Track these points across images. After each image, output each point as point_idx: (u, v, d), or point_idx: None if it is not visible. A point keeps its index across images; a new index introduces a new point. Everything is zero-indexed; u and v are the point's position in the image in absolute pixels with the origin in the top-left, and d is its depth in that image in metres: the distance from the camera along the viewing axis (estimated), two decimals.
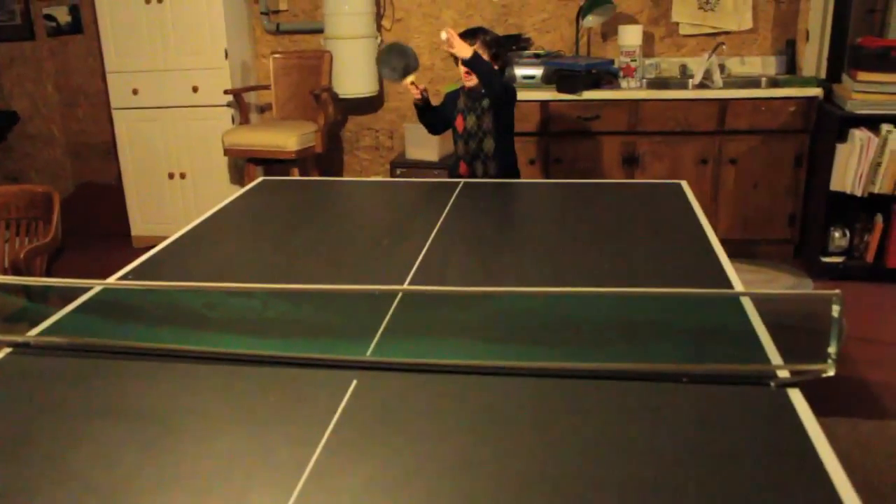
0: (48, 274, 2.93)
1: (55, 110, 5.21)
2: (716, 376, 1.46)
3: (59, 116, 5.21)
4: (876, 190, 3.86)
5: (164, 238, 4.58)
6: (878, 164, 3.81)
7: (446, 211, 2.56)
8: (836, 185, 3.91)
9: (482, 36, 3.08)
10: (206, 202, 4.69)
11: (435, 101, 3.21)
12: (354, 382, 1.45)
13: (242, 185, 4.64)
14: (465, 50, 2.89)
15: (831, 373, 1.44)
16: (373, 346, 1.60)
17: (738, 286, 1.92)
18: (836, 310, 1.42)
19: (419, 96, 3.07)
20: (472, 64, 2.92)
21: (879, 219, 3.92)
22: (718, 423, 1.32)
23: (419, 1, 4.72)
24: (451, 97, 3.25)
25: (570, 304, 1.75)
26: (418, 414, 1.36)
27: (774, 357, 1.54)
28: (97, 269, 4.48)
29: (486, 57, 3.00)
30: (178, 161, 4.70)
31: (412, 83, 3.04)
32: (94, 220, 5.08)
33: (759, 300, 1.80)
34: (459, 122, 3.17)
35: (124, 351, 1.61)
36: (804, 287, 3.98)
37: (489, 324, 1.70)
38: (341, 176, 5.11)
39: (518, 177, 3.27)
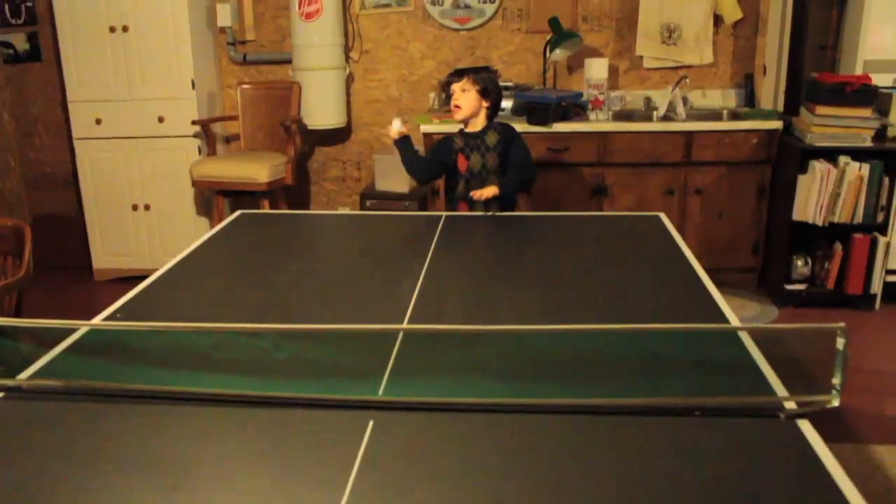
0: (18, 310, 2.84)
1: (11, 140, 5.07)
2: (727, 409, 1.49)
3: (16, 146, 5.08)
4: (835, 219, 3.98)
5: (128, 271, 4.55)
6: (838, 195, 3.94)
7: (433, 244, 2.57)
8: (798, 214, 4.03)
9: (472, 75, 3.13)
10: (171, 234, 4.63)
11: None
12: (371, 423, 1.44)
13: (210, 216, 4.58)
14: (491, 190, 3.04)
15: (836, 403, 1.48)
16: (384, 384, 1.58)
17: (733, 318, 1.96)
18: (840, 342, 1.46)
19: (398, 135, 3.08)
20: (509, 192, 3.11)
21: (839, 247, 4.05)
22: (736, 455, 1.34)
23: (387, 33, 4.75)
24: (444, 142, 3.23)
25: (573, 340, 1.77)
26: (441, 454, 1.35)
27: (779, 389, 1.58)
28: (63, 305, 4.41)
29: (475, 93, 3.07)
30: (143, 192, 4.61)
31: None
32: (53, 252, 4.95)
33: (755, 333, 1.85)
34: (462, 163, 3.14)
35: (125, 394, 1.57)
36: (769, 314, 4.08)
37: (496, 360, 1.71)
38: (309, 207, 5.08)
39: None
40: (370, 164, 4.83)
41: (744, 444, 1.38)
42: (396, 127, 3.04)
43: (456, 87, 3.10)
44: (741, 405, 1.50)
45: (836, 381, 1.46)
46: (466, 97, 3.09)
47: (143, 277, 2.34)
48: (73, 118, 4.58)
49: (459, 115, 3.13)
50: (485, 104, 3.12)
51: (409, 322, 1.93)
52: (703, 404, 1.49)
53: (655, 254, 2.53)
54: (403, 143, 3.08)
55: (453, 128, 4.08)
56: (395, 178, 4.44)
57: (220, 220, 4.18)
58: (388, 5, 4.71)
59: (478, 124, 3.16)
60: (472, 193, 3.04)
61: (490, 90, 3.13)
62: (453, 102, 3.11)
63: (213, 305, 2.11)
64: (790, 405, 1.49)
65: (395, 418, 1.46)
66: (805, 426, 1.43)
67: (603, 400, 1.51)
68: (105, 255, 4.73)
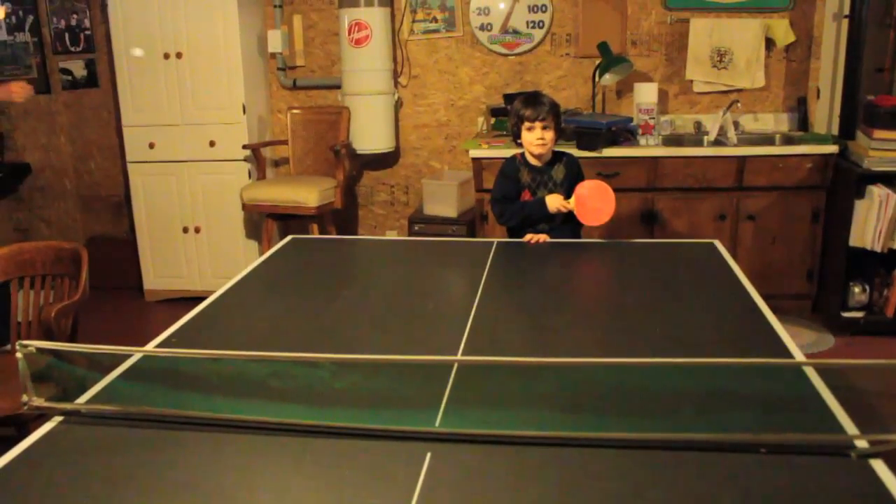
0: (74, 332, 2.89)
1: (68, 163, 5.20)
2: (794, 447, 1.44)
3: (72, 169, 5.20)
4: (894, 246, 3.88)
5: (178, 292, 4.60)
6: None
7: (486, 272, 2.55)
8: (855, 240, 3.93)
9: (550, 109, 2.94)
10: (220, 256, 4.68)
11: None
12: (429, 455, 1.42)
13: (259, 240, 4.63)
14: (544, 237, 2.92)
15: None
16: (440, 415, 1.57)
17: (796, 351, 1.90)
18: None
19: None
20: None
21: None
22: (805, 495, 1.30)
23: (436, 58, 4.78)
24: (511, 177, 3.05)
25: (633, 372, 1.73)
26: (498, 487, 1.33)
27: (849, 425, 1.52)
28: (115, 326, 4.49)
29: (554, 128, 2.95)
30: (193, 215, 4.68)
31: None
32: (105, 274, 5.04)
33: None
34: (527, 197, 3.03)
35: (183, 420, 1.57)
36: (826, 342, 3.98)
37: (553, 392, 1.67)
38: (356, 231, 5.11)
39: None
40: (418, 188, 4.84)
41: (813, 483, 1.33)
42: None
43: (539, 124, 2.90)
44: (809, 443, 1.45)
45: None
46: (549, 133, 2.93)
47: (193, 299, 2.36)
48: (127, 142, 4.68)
49: (540, 152, 2.97)
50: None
51: (464, 351, 1.91)
52: (769, 441, 1.45)
53: (712, 281, 2.48)
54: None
55: (502, 153, 4.09)
56: (443, 203, 4.44)
57: (270, 243, 4.22)
58: (436, 31, 4.74)
59: (545, 157, 3.02)
60: (527, 238, 2.91)
61: (561, 121, 3.02)
62: (536, 138, 2.92)
63: (268, 332, 2.12)
64: (861, 443, 1.44)
65: (452, 450, 1.44)
66: (878, 465, 1.37)
67: (664, 434, 1.47)
68: (156, 277, 4.81)
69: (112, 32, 4.55)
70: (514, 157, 3.08)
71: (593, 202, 2.88)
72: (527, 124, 2.92)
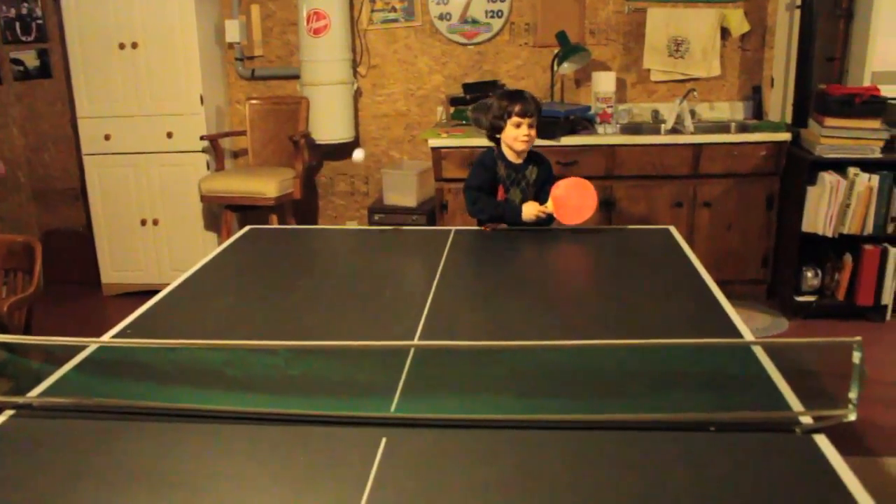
0: (28, 326, 2.84)
1: (21, 155, 5.10)
2: (742, 424, 1.48)
3: (25, 162, 5.10)
4: (845, 231, 3.97)
5: (137, 286, 4.55)
6: (847, 206, 3.93)
7: (443, 259, 2.56)
8: (807, 226, 4.01)
9: (535, 106, 2.95)
10: (179, 249, 4.64)
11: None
12: (384, 440, 1.43)
13: (218, 231, 4.59)
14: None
15: (853, 417, 1.46)
16: (395, 401, 1.58)
17: (746, 332, 1.94)
18: (857, 356, 1.45)
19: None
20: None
21: (849, 258, 4.03)
22: (752, 471, 1.33)
23: (395, 48, 4.77)
24: (489, 167, 3.01)
25: (585, 355, 1.76)
26: (453, 470, 1.35)
27: (795, 403, 1.56)
28: (71, 320, 4.42)
29: (535, 126, 2.94)
30: (151, 207, 4.63)
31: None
32: (62, 268, 4.97)
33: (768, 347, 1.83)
34: (501, 194, 3.01)
35: (139, 411, 1.56)
36: (780, 326, 4.06)
37: (508, 376, 1.69)
38: (316, 221, 5.09)
39: None
40: (378, 178, 4.83)
41: (760, 459, 1.36)
42: (358, 156, 2.98)
43: (527, 120, 2.89)
44: (756, 420, 1.49)
45: (852, 395, 1.44)
46: (534, 131, 2.93)
47: (152, 292, 2.34)
48: (83, 134, 4.61)
49: (524, 148, 2.96)
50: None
51: (421, 338, 1.92)
52: (718, 419, 1.48)
53: (666, 267, 2.52)
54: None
55: (462, 142, 4.11)
56: (402, 192, 4.45)
57: (229, 234, 4.19)
58: (395, 21, 4.73)
59: (522, 155, 3.00)
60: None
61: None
62: (523, 134, 2.90)
63: (224, 321, 2.11)
64: (806, 419, 1.48)
65: (407, 435, 1.46)
66: (822, 441, 1.42)
67: (616, 415, 1.50)
68: (113, 271, 4.74)
69: (65, 22, 4.46)
70: (491, 150, 3.05)
71: (572, 200, 2.82)
72: (516, 119, 2.89)
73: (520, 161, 3.00)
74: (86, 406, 1.60)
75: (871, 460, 2.75)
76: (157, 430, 1.50)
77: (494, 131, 2.99)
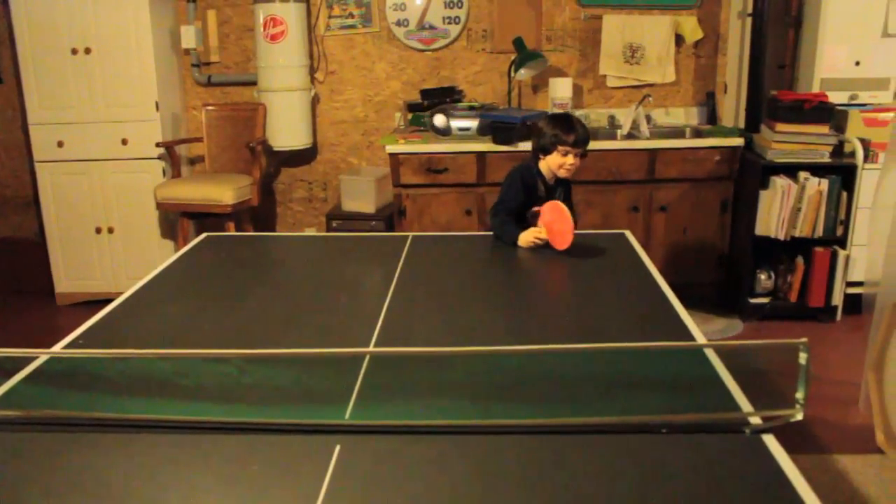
0: None
1: None
2: (693, 426, 1.50)
3: None
4: (797, 233, 4.06)
5: (91, 294, 4.47)
6: (798, 209, 4.01)
7: (400, 265, 2.56)
8: (760, 229, 4.09)
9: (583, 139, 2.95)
10: (135, 257, 4.57)
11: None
12: (338, 447, 1.43)
13: (175, 239, 4.54)
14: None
15: (800, 417, 1.50)
16: (350, 408, 1.57)
17: (698, 334, 1.98)
18: (803, 357, 1.48)
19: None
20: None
21: (801, 261, 4.12)
22: (703, 471, 1.35)
23: (352, 54, 4.76)
24: (531, 184, 3.00)
25: (540, 360, 1.77)
26: (408, 477, 1.35)
27: (744, 404, 1.59)
28: (23, 330, 4.32)
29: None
30: (106, 215, 4.55)
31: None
32: (13, 277, 4.87)
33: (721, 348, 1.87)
34: (536, 210, 2.95)
35: (89, 422, 1.54)
36: (735, 328, 4.13)
37: (464, 382, 1.70)
38: (275, 228, 5.05)
39: None
40: (336, 184, 4.82)
41: (710, 460, 1.39)
42: None
43: (577, 150, 2.90)
44: (707, 421, 1.52)
45: (799, 395, 1.48)
46: (579, 161, 2.95)
47: (107, 301, 2.31)
48: (34, 140, 4.51)
49: (567, 177, 2.99)
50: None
51: (377, 344, 1.92)
52: (670, 421, 1.50)
53: (622, 271, 2.55)
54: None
55: (419, 148, 4.11)
56: (360, 199, 4.44)
57: (185, 242, 4.14)
58: (353, 27, 4.72)
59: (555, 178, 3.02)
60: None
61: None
62: (569, 164, 2.92)
63: (178, 331, 2.09)
64: (755, 420, 1.51)
65: (362, 442, 1.45)
66: (770, 440, 1.44)
67: (570, 419, 1.51)
68: (67, 280, 4.65)
69: (15, 26, 4.35)
70: (529, 166, 3.02)
71: (556, 225, 2.76)
72: (566, 148, 2.89)
73: (554, 182, 3.02)
74: (34, 418, 1.57)
75: (822, 458, 2.81)
76: (108, 442, 1.47)
77: (543, 152, 2.97)
